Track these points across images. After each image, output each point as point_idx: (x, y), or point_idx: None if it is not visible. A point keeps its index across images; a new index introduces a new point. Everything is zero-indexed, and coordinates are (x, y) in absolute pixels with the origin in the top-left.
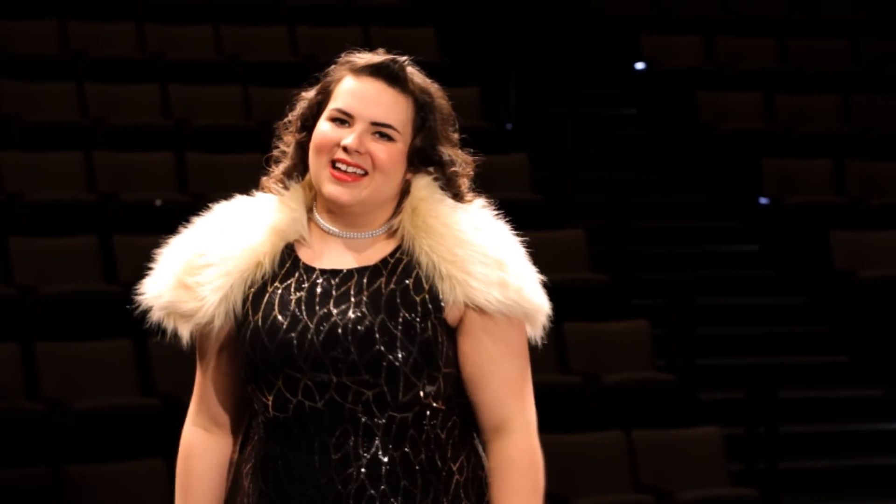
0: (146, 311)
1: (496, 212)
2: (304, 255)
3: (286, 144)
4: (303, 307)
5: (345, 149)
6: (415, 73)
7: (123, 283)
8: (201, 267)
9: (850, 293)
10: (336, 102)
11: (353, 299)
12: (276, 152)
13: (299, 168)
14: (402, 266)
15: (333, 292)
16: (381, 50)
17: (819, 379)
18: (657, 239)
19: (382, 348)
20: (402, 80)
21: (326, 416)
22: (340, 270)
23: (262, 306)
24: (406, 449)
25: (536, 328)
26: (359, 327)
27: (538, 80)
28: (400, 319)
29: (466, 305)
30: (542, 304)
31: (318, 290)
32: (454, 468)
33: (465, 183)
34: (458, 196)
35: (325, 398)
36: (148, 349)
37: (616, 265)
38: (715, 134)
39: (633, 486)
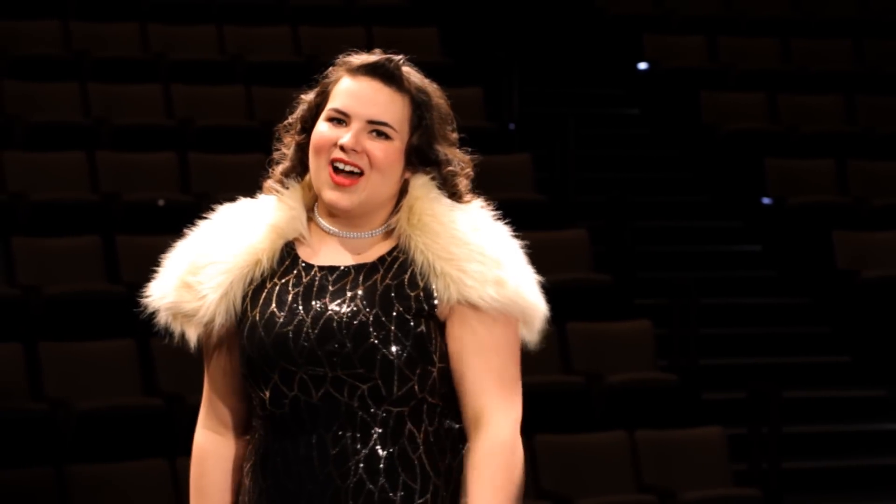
0: (152, 314)
1: (497, 212)
2: (304, 253)
3: (286, 146)
4: (299, 302)
5: (342, 148)
6: (411, 72)
7: (126, 283)
8: (203, 266)
9: (854, 293)
10: (333, 102)
11: (348, 294)
12: (276, 154)
13: (298, 169)
14: (398, 263)
15: (330, 288)
16: (377, 50)
17: (822, 379)
18: (660, 239)
19: (377, 342)
20: (398, 79)
21: (323, 411)
22: (338, 267)
23: (261, 302)
24: (404, 444)
25: (533, 329)
26: (353, 321)
27: (541, 80)
28: (394, 314)
29: (459, 303)
30: (539, 305)
31: (316, 285)
32: (453, 464)
33: (463, 183)
34: (455, 195)
35: (321, 392)
36: (151, 349)
37: (619, 265)
38: (718, 134)
39: (636, 486)
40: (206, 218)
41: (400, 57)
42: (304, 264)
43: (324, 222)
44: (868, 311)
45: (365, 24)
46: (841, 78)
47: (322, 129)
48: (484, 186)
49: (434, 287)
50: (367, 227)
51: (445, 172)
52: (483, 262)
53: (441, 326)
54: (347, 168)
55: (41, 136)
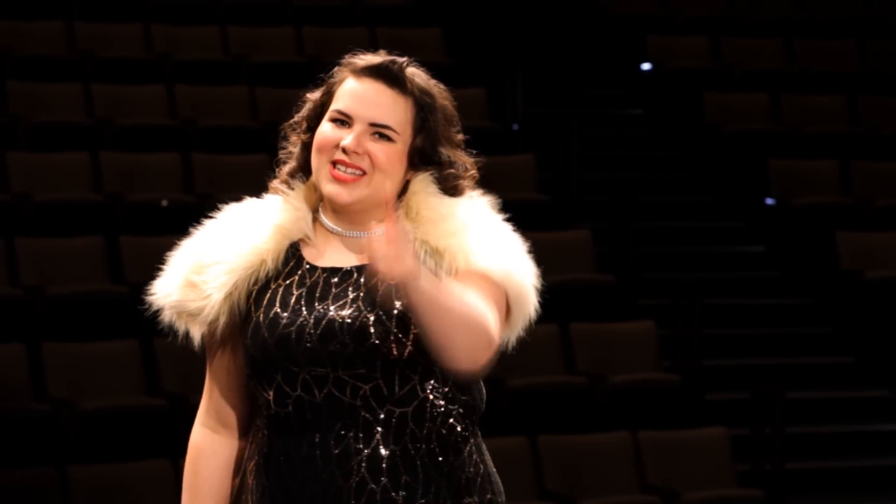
0: (157, 312)
1: (500, 212)
2: (308, 254)
3: (293, 145)
4: (303, 303)
5: (343, 150)
6: (416, 74)
7: (129, 283)
8: (208, 266)
9: (857, 294)
10: (337, 104)
11: (350, 296)
12: (282, 154)
13: (304, 168)
14: None
15: (333, 289)
16: (382, 51)
17: (825, 380)
18: (663, 239)
19: (377, 341)
20: (402, 81)
21: (325, 411)
22: (341, 269)
23: (265, 303)
24: (406, 443)
25: (520, 316)
26: (355, 322)
27: (544, 80)
28: (395, 313)
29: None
30: (531, 293)
31: (319, 287)
32: (456, 464)
33: (466, 184)
34: (454, 192)
35: (324, 392)
36: (154, 349)
37: (622, 265)
38: (721, 134)
39: (640, 486)
40: (209, 218)
41: (404, 59)
42: (308, 266)
43: (328, 221)
44: (871, 311)
45: (368, 25)
46: (844, 78)
47: (325, 129)
48: (487, 187)
49: (436, 267)
50: (370, 225)
51: (448, 173)
52: (480, 240)
53: None
54: (349, 171)
55: (45, 137)
